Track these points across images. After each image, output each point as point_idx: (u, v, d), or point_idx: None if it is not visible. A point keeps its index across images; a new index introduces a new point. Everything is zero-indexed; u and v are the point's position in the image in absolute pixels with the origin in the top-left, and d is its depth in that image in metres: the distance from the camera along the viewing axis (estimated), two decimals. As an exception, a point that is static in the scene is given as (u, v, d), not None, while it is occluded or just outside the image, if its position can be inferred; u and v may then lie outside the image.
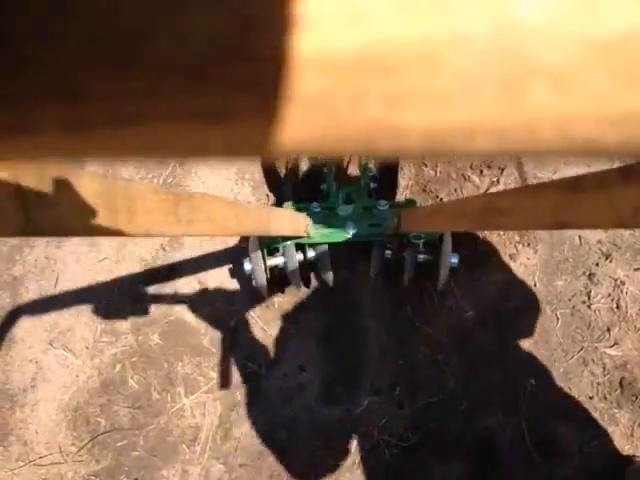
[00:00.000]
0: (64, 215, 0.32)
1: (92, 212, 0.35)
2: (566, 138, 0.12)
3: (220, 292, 1.53)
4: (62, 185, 0.32)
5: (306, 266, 1.41)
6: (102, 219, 0.36)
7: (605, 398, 1.35)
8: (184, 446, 1.39)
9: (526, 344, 1.42)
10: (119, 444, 1.40)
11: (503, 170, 1.62)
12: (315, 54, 0.11)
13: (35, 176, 0.30)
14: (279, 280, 1.47)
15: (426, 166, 1.65)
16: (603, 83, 0.11)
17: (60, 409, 1.44)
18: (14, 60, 0.11)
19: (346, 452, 1.35)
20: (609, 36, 0.11)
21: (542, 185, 0.48)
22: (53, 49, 0.11)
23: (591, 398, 1.36)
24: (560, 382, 1.38)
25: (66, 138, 0.12)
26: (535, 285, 1.49)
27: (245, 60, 0.11)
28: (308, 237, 1.30)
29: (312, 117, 0.12)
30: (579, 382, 1.38)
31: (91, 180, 0.35)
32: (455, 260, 1.32)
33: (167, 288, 1.54)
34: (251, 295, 1.50)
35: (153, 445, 1.39)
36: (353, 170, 1.68)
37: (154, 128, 0.12)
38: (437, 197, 1.61)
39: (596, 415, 1.34)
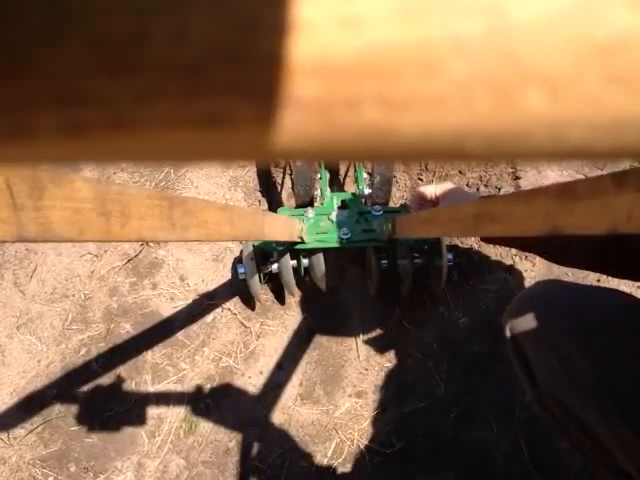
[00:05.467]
0: (58, 220, 0.32)
1: (86, 217, 0.35)
2: (560, 143, 0.12)
3: (201, 288, 1.53)
4: (55, 190, 0.32)
5: (300, 272, 1.42)
6: (96, 224, 0.36)
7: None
8: (143, 437, 1.35)
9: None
10: (72, 429, 1.36)
11: (500, 189, 1.63)
12: (312, 57, 0.11)
13: (28, 181, 0.30)
14: (273, 286, 1.48)
15: (422, 180, 1.66)
16: (598, 88, 0.11)
17: (15, 393, 1.41)
18: (10, 63, 0.11)
19: (321, 456, 1.32)
20: (604, 40, 0.11)
21: (535, 191, 0.49)
22: (50, 51, 0.11)
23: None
24: None
25: (63, 142, 0.12)
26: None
27: (242, 63, 0.11)
28: (302, 242, 1.30)
29: (308, 120, 0.12)
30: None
31: (84, 185, 0.35)
32: (451, 257, 1.34)
33: (146, 282, 1.54)
34: (233, 292, 1.51)
35: (109, 433, 1.36)
36: (348, 175, 1.69)
37: (152, 132, 0.12)
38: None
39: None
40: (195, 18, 0.11)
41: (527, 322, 0.86)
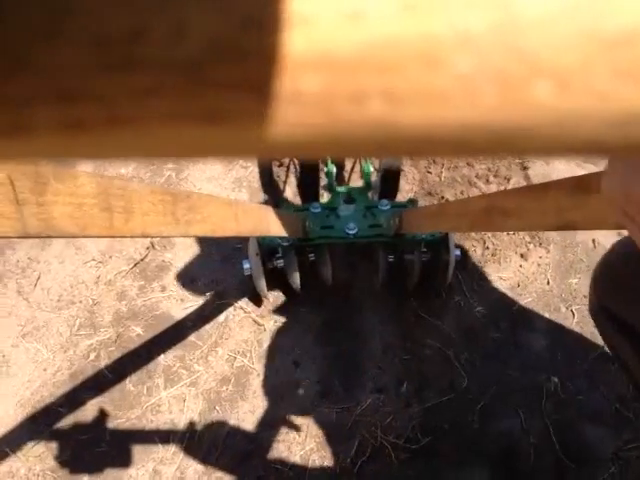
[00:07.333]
0: (60, 216, 0.33)
1: (88, 213, 0.35)
2: (568, 138, 0.12)
3: (211, 288, 1.53)
4: (58, 186, 0.32)
5: (306, 267, 1.42)
6: (98, 219, 0.36)
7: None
8: (158, 443, 1.33)
9: (542, 342, 1.42)
10: (83, 437, 1.34)
11: (509, 179, 1.64)
12: (314, 52, 0.11)
13: (31, 177, 0.30)
14: (279, 280, 1.48)
15: (430, 173, 1.67)
16: (606, 81, 0.11)
17: (21, 404, 1.39)
18: (11, 60, 0.11)
19: (345, 455, 1.30)
20: (614, 34, 0.11)
21: (546, 185, 0.48)
22: (50, 49, 0.11)
23: (623, 397, 1.33)
24: (585, 381, 1.35)
25: (63, 139, 0.12)
26: (548, 283, 1.50)
27: (244, 59, 0.11)
28: (308, 237, 1.30)
29: (312, 116, 0.12)
30: (607, 380, 1.35)
31: (87, 180, 0.35)
32: (458, 253, 1.35)
33: (155, 285, 1.54)
34: (244, 291, 1.51)
35: (122, 441, 1.34)
36: (354, 170, 1.70)
37: (152, 128, 0.12)
38: (442, 198, 1.63)
39: (630, 415, 1.30)
40: (195, 14, 0.11)
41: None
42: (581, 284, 1.49)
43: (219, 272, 1.55)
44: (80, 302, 1.53)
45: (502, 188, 1.64)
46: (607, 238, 1.52)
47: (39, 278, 1.57)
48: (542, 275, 1.51)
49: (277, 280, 1.48)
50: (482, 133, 0.12)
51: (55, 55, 0.11)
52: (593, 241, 1.55)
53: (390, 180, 1.42)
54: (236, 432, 1.35)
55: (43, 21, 0.11)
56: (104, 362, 1.44)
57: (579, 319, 1.45)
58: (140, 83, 0.12)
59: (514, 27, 0.11)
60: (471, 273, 1.51)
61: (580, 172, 1.59)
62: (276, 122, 0.12)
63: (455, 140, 0.13)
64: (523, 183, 1.67)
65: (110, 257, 1.58)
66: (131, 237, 0.39)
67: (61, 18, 0.11)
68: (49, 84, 0.12)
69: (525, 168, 1.68)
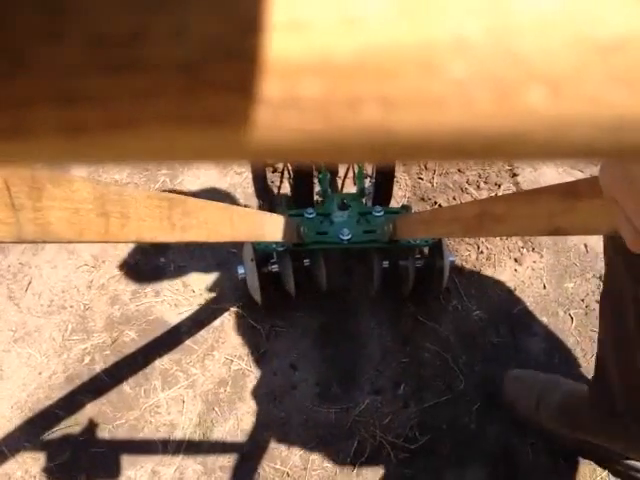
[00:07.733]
0: (57, 221, 0.32)
1: (85, 218, 0.35)
2: (562, 143, 0.12)
3: (205, 292, 1.53)
4: (54, 191, 0.32)
5: (300, 272, 1.42)
6: (95, 225, 0.36)
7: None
8: (157, 444, 1.33)
9: (541, 344, 1.43)
10: (80, 439, 1.33)
11: (500, 185, 1.65)
12: (312, 57, 0.11)
13: (26, 181, 0.30)
14: (274, 285, 1.47)
15: (422, 179, 1.68)
16: (601, 88, 0.11)
17: (17, 406, 1.38)
18: (11, 60, 0.11)
19: (344, 455, 1.31)
20: (607, 40, 0.11)
21: (537, 191, 0.49)
22: (49, 50, 0.11)
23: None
24: (583, 382, 1.34)
25: (62, 141, 0.12)
26: (544, 287, 1.51)
27: (241, 62, 0.11)
28: (302, 243, 1.30)
29: (308, 120, 0.12)
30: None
31: (83, 185, 0.35)
32: (453, 259, 1.36)
33: (149, 289, 1.54)
34: (239, 295, 1.51)
35: (120, 442, 1.33)
36: (347, 176, 1.70)
37: (151, 130, 0.12)
38: (435, 203, 1.64)
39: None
40: (194, 17, 0.11)
41: None
42: (577, 288, 1.50)
43: (214, 276, 1.55)
44: (71, 307, 1.52)
45: (492, 194, 1.66)
46: (599, 243, 1.53)
47: (30, 283, 1.56)
48: (538, 279, 1.52)
49: (272, 285, 1.47)
50: (477, 138, 0.12)
51: (55, 55, 0.11)
52: (585, 246, 1.57)
53: (383, 186, 1.42)
54: (235, 433, 1.34)
55: (43, 21, 0.11)
56: (99, 366, 1.43)
57: (577, 323, 1.45)
58: (139, 84, 0.12)
59: (509, 33, 0.11)
60: (468, 277, 1.52)
61: (569, 179, 1.60)
62: (274, 126, 0.12)
63: (450, 145, 0.13)
64: (513, 189, 1.69)
65: (103, 261, 1.58)
66: (126, 242, 0.39)
67: (61, 18, 0.11)
68: (48, 85, 0.12)
69: (514, 175, 1.70)
